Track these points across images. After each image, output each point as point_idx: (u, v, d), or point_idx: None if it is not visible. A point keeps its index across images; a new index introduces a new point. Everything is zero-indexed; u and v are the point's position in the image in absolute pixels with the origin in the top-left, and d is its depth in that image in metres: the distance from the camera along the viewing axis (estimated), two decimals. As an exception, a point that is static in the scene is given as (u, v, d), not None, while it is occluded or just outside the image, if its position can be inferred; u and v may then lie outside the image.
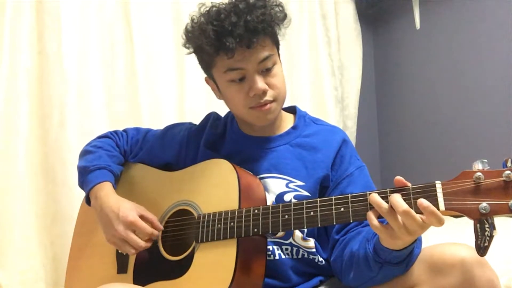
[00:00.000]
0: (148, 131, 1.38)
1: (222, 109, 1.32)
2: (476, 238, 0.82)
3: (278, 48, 1.18)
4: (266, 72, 1.11)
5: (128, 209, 1.12)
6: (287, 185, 1.15)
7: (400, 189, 0.88)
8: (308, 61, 2.45)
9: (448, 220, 1.90)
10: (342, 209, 0.93)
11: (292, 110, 1.29)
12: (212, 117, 1.30)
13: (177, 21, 2.10)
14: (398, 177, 0.89)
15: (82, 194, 1.28)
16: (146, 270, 1.16)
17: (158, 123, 1.84)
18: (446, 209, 0.84)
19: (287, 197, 1.13)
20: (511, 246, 1.46)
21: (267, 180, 1.15)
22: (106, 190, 1.18)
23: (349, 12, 2.58)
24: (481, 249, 0.81)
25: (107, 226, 1.14)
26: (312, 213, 0.97)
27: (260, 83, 1.09)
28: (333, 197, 0.96)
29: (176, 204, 1.18)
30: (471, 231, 0.84)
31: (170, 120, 1.95)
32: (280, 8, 1.13)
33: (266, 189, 1.13)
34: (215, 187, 1.12)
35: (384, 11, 2.71)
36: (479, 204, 0.81)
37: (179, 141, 1.28)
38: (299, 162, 1.17)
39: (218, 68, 1.12)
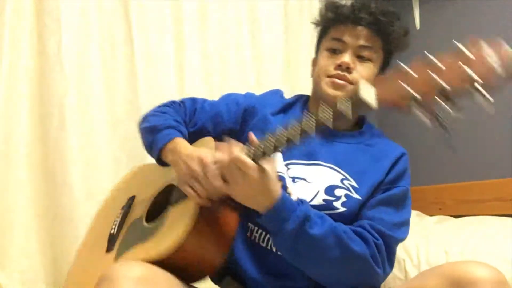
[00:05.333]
0: (204, 101, 1.37)
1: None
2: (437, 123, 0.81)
3: (384, 63, 1.25)
4: (360, 58, 1.22)
5: (205, 152, 1.09)
6: (342, 181, 1.15)
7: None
8: (308, 61, 2.44)
9: (450, 220, 1.89)
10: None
11: (361, 117, 1.33)
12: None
13: (177, 21, 2.10)
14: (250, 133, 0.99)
15: (82, 194, 1.29)
16: (128, 241, 1.18)
17: (158, 123, 1.84)
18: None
19: (338, 192, 1.13)
20: (511, 246, 1.46)
21: (322, 168, 1.16)
22: (181, 144, 1.16)
23: (349, 12, 2.58)
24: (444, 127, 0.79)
25: (182, 171, 1.10)
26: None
27: (349, 58, 1.20)
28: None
29: (166, 181, 1.23)
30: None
31: (170, 120, 1.95)
32: (404, 35, 1.25)
33: (317, 175, 1.14)
34: None
35: (384, 11, 2.71)
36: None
37: (246, 108, 1.32)
38: (358, 164, 1.18)
39: (328, 36, 1.27)
